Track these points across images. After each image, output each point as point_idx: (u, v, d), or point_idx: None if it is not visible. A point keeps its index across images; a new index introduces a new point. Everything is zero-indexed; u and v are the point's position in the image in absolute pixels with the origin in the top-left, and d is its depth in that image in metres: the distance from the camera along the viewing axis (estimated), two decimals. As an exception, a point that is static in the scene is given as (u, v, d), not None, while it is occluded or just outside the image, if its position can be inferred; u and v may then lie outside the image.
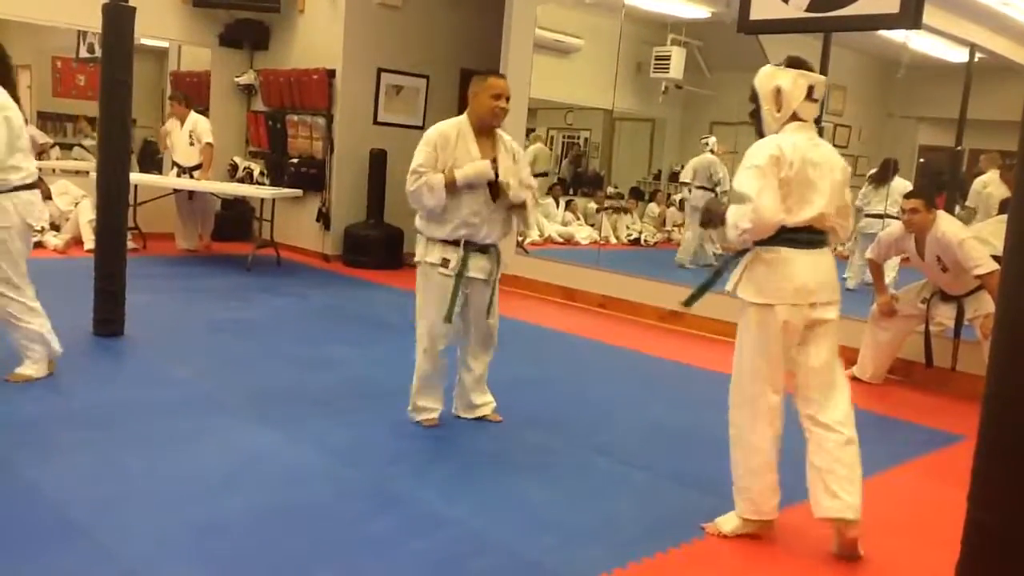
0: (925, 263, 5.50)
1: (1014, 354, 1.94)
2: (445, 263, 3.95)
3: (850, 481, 3.12)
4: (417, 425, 4.12)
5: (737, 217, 3.03)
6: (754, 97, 3.22)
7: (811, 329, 3.19)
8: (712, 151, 8.96)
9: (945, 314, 5.55)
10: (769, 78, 3.17)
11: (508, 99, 4.11)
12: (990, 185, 7.28)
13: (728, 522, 3.25)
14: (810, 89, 3.13)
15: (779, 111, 3.14)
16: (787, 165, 3.01)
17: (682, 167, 10.10)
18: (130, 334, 5.32)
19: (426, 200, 3.92)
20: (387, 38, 9.35)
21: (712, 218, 3.23)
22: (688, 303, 3.38)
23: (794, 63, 3.18)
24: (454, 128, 4.09)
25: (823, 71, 7.71)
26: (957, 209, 7.32)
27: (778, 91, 3.13)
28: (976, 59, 7.38)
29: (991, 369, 1.99)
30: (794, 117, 3.13)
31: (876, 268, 5.87)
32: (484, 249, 4.01)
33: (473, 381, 4.24)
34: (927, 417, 5.04)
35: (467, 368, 4.23)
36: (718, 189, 8.76)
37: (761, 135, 3.21)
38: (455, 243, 3.95)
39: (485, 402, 4.30)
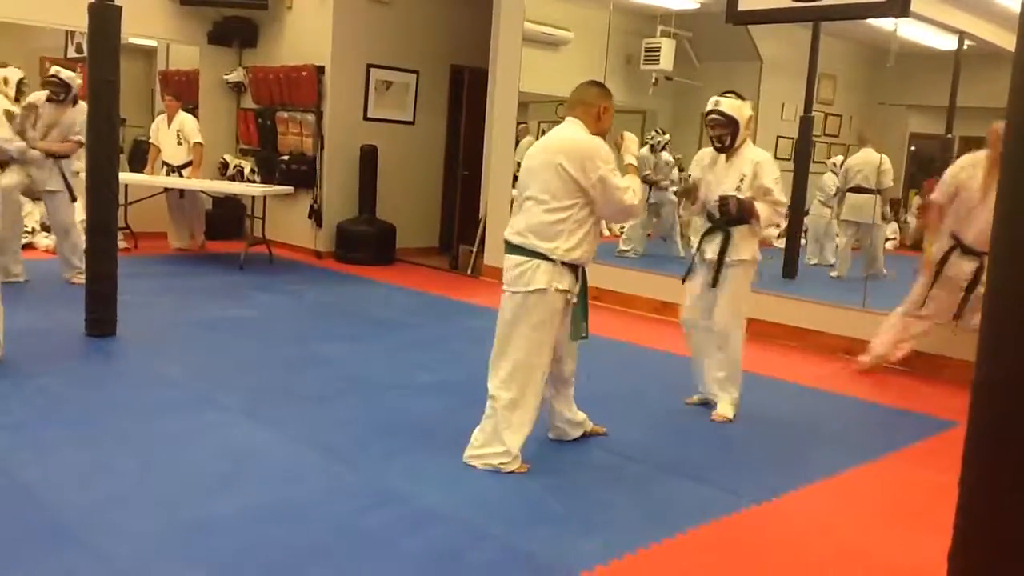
0: (984, 203, 4.93)
1: (1003, 340, 1.95)
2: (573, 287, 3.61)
3: None
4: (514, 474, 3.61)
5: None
6: (733, 123, 4.34)
7: None
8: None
9: (966, 271, 5.24)
10: (743, 109, 4.37)
11: None
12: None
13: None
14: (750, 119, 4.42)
15: (747, 130, 4.39)
16: None
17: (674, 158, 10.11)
18: (122, 334, 5.31)
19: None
20: (376, 34, 9.33)
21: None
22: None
23: (740, 97, 4.50)
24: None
25: (812, 60, 7.76)
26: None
27: (751, 119, 4.39)
28: (965, 46, 7.39)
29: (981, 355, 2.00)
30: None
31: (938, 213, 5.39)
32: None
33: (566, 400, 3.99)
34: (921, 404, 5.05)
35: (562, 389, 3.95)
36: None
37: (728, 149, 4.40)
38: (573, 266, 3.58)
39: (583, 415, 4.08)
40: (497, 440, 3.55)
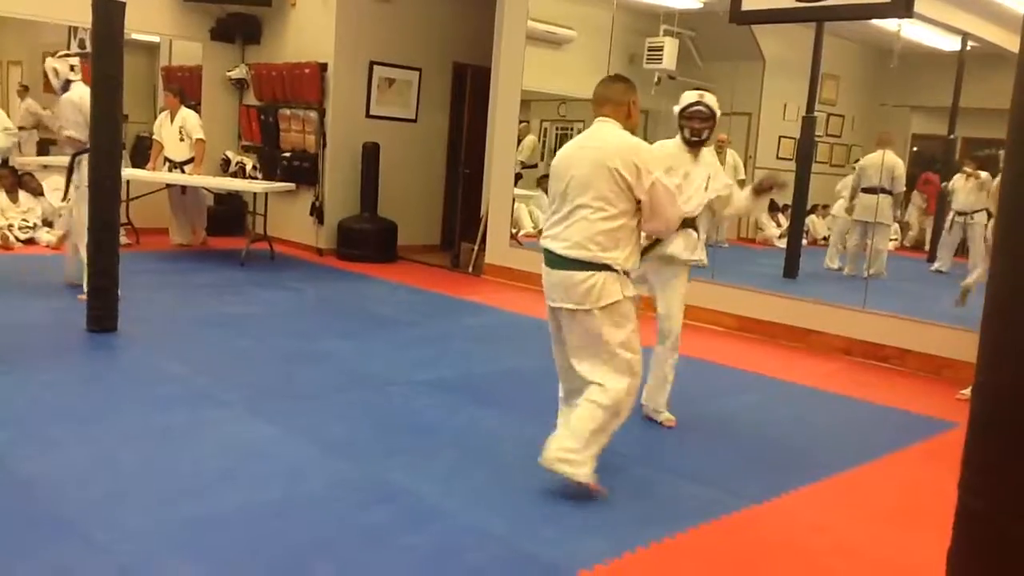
0: None
1: (1004, 340, 1.95)
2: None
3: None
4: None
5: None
6: (714, 117, 4.32)
7: None
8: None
9: None
10: (717, 103, 4.35)
11: None
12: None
13: None
14: None
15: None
16: None
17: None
18: (124, 329, 5.31)
19: None
20: (379, 31, 9.33)
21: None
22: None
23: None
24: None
25: (815, 60, 7.75)
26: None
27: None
28: (968, 47, 7.38)
29: (981, 356, 2.00)
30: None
31: None
32: None
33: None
34: (920, 405, 5.05)
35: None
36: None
37: (703, 144, 4.36)
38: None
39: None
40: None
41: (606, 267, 3.29)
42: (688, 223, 4.22)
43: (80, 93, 5.94)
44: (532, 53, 8.35)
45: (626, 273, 3.37)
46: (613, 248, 3.29)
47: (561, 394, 3.63)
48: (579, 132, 10.03)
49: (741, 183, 8.71)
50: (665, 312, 4.35)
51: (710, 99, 4.39)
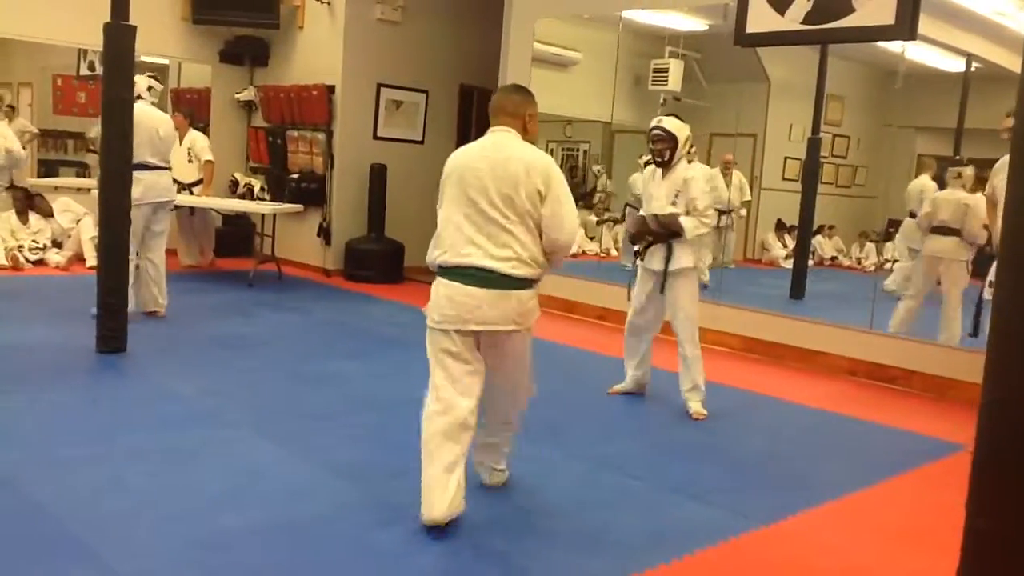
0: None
1: (1010, 360, 1.95)
2: None
3: None
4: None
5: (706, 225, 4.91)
6: (673, 139, 4.81)
7: None
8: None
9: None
10: (683, 129, 4.83)
11: None
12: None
13: None
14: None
15: (683, 149, 4.85)
16: None
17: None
18: (132, 350, 5.34)
19: None
20: (386, 53, 9.40)
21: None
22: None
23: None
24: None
25: (820, 82, 7.78)
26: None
27: (688, 139, 4.87)
28: (973, 69, 7.41)
29: (988, 376, 2.01)
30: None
31: (993, 207, 5.26)
32: None
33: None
34: (926, 426, 5.04)
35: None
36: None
37: (667, 164, 4.87)
38: None
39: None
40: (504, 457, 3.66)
41: (535, 282, 3.23)
42: (670, 236, 4.83)
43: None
44: (538, 75, 8.40)
45: None
46: (536, 261, 3.20)
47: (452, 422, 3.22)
48: (584, 153, 10.04)
49: (747, 204, 8.74)
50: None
51: (668, 123, 4.86)
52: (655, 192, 4.93)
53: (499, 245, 3.12)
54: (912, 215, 7.43)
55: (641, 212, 5.06)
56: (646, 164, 9.19)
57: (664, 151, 4.86)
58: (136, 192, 5.67)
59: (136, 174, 5.60)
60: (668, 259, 4.88)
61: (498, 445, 3.58)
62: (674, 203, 4.84)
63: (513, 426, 3.55)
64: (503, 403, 3.44)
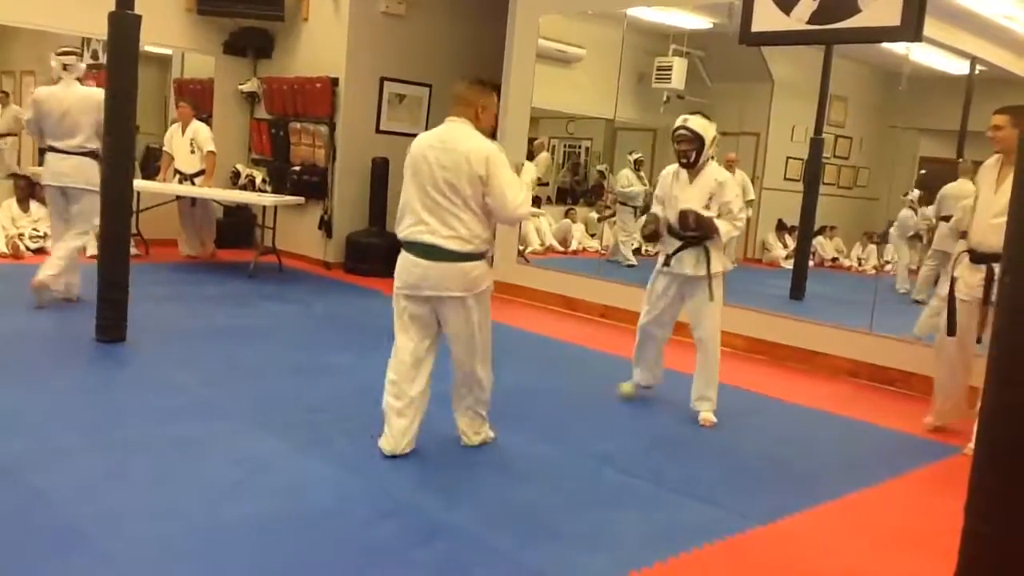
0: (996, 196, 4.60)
1: (1012, 366, 1.96)
2: None
3: None
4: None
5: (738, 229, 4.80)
6: (700, 139, 4.57)
7: None
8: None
9: (975, 279, 4.67)
10: (709, 128, 4.59)
11: None
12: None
13: None
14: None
15: (711, 149, 4.60)
16: None
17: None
18: (133, 340, 5.34)
19: None
20: (390, 47, 9.39)
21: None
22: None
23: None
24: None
25: (824, 82, 7.78)
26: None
27: (715, 139, 4.60)
28: (977, 71, 7.41)
29: (988, 382, 2.01)
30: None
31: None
32: None
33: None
34: (927, 429, 5.04)
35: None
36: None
37: (693, 165, 4.64)
38: None
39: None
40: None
41: (483, 255, 3.73)
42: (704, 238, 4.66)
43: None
44: (542, 71, 8.40)
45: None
46: (483, 239, 3.71)
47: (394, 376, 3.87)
48: (587, 150, 10.04)
49: (750, 203, 8.72)
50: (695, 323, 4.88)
51: (694, 122, 4.62)
52: (681, 194, 4.69)
53: (444, 225, 3.63)
54: (945, 219, 7.34)
55: (654, 212, 4.86)
56: (635, 162, 9.28)
57: (689, 152, 4.62)
58: (44, 175, 6.11)
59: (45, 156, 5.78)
60: (702, 262, 4.66)
61: (473, 408, 3.98)
62: (707, 206, 4.62)
63: (483, 388, 3.94)
64: (466, 363, 3.86)
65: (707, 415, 4.77)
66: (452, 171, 3.59)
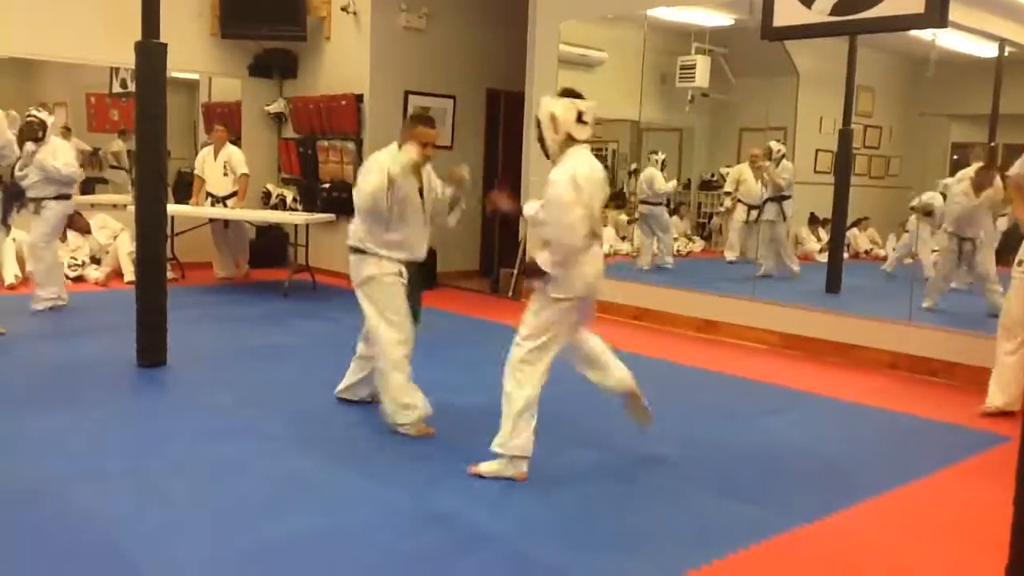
0: None
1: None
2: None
3: None
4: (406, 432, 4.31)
5: None
6: (538, 124, 3.78)
7: None
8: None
9: None
10: (546, 107, 3.74)
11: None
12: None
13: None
14: (580, 114, 3.71)
15: (556, 133, 3.71)
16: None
17: (713, 175, 10.06)
18: (173, 363, 5.41)
19: None
20: (413, 61, 9.45)
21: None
22: None
23: (565, 93, 3.79)
24: None
25: (850, 73, 7.71)
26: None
27: (553, 116, 3.70)
28: (1006, 53, 7.30)
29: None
30: (569, 138, 3.69)
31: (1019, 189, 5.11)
32: None
33: None
34: (971, 418, 4.96)
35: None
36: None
37: (547, 155, 3.81)
38: None
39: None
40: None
41: (358, 251, 4.46)
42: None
43: None
44: (564, 76, 8.39)
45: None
46: (359, 238, 4.52)
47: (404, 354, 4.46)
48: (613, 153, 10.02)
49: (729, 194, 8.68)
50: None
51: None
52: None
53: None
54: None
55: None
56: (660, 163, 9.22)
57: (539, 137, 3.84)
58: None
59: None
60: None
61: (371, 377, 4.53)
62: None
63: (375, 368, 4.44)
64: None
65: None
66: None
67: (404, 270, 4.44)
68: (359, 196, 4.30)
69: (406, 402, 4.29)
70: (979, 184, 6.77)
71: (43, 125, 6.94)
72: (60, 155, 6.91)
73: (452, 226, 4.82)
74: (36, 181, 6.90)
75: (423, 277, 4.65)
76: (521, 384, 3.73)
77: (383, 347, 4.34)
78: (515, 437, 3.68)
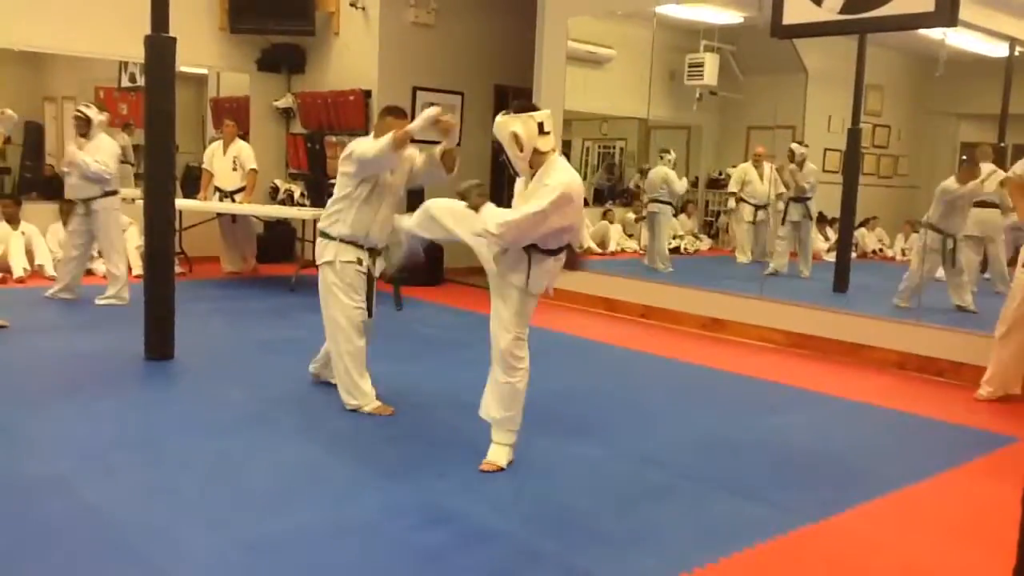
0: None
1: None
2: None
3: None
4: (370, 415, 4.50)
5: None
6: (499, 144, 3.72)
7: None
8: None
9: None
10: (504, 127, 3.65)
11: None
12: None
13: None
14: (540, 125, 3.65)
15: (521, 151, 3.65)
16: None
17: (720, 173, 10.04)
18: (180, 357, 5.42)
19: None
20: (421, 56, 9.45)
21: None
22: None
23: (520, 109, 3.70)
24: None
25: (859, 72, 7.68)
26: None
27: (515, 136, 3.61)
28: (1016, 53, 7.28)
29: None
30: (536, 152, 3.65)
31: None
32: None
33: None
34: (978, 418, 4.96)
35: None
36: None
37: (514, 172, 3.83)
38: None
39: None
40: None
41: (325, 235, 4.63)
42: None
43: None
44: (573, 73, 8.40)
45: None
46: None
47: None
48: (622, 150, 10.04)
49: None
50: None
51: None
52: None
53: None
54: (979, 205, 7.17)
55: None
56: (672, 163, 9.21)
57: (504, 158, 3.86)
58: None
59: None
60: None
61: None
62: None
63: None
64: None
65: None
66: None
67: (364, 258, 4.69)
68: (360, 148, 4.51)
69: (354, 389, 4.54)
70: (963, 177, 6.75)
71: (88, 121, 6.97)
72: (100, 152, 6.94)
73: (453, 175, 4.90)
74: (78, 179, 6.94)
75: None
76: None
77: (335, 333, 4.62)
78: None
